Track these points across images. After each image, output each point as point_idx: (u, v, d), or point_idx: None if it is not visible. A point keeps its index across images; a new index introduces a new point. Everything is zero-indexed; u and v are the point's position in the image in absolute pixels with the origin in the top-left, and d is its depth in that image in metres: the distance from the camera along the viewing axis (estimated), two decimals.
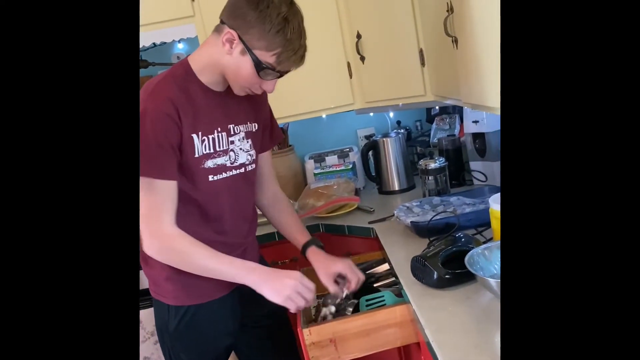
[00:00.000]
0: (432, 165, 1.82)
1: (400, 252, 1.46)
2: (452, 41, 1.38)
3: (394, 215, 1.67)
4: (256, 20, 1.11)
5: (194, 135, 1.19)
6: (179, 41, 2.29)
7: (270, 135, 1.43)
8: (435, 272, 1.16)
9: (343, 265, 1.34)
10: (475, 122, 1.87)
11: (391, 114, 2.39)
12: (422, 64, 1.75)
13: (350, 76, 2.01)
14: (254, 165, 1.34)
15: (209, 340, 1.31)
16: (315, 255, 1.37)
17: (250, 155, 1.33)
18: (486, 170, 1.89)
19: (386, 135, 2.10)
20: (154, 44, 2.10)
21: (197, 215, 1.25)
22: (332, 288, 1.32)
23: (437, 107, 2.22)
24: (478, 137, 1.89)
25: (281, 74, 1.20)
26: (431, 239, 1.43)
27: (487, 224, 1.37)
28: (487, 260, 1.13)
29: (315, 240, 1.41)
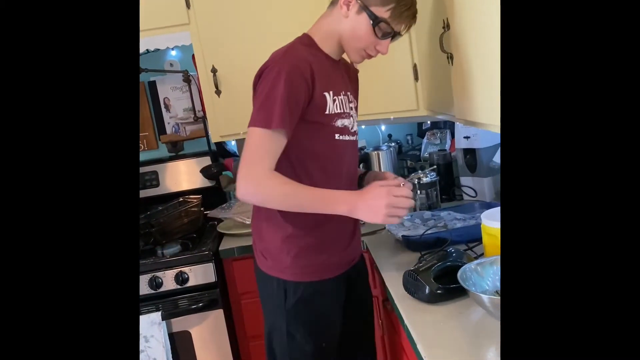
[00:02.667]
0: (424, 179, 1.83)
1: (391, 266, 1.46)
2: (447, 57, 1.39)
3: (385, 228, 1.67)
4: None
5: (326, 94, 1.25)
6: (173, 48, 2.29)
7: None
8: (428, 287, 1.16)
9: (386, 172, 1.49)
10: (467, 137, 1.89)
11: (383, 127, 2.40)
12: (416, 78, 1.76)
13: None
14: (356, 138, 1.40)
15: (325, 318, 1.34)
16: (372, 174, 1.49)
17: (357, 126, 1.39)
18: (476, 185, 1.90)
19: (377, 148, 2.11)
20: (147, 50, 2.09)
21: (317, 176, 1.27)
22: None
23: (428, 122, 2.24)
24: (469, 152, 1.91)
25: (394, 35, 1.26)
26: (422, 253, 1.43)
27: (478, 240, 1.37)
28: (480, 276, 1.14)
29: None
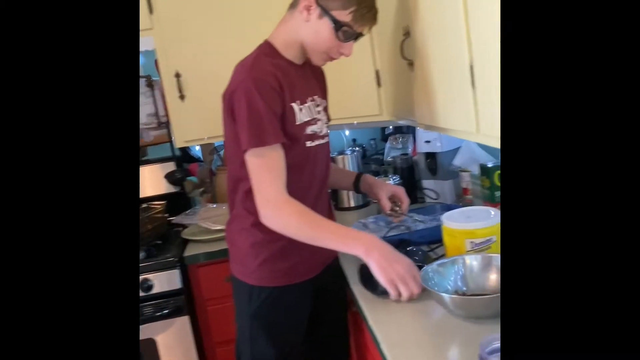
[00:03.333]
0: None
1: (356, 268, 1.49)
2: (408, 64, 1.43)
3: None
4: None
5: (294, 104, 1.25)
6: None
7: (328, 113, 1.51)
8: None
9: (399, 188, 1.53)
10: (428, 142, 1.94)
11: (347, 132, 2.43)
12: (379, 84, 1.80)
13: None
14: (328, 139, 1.40)
15: (288, 324, 1.35)
16: (371, 179, 1.54)
17: (327, 129, 1.39)
18: (437, 188, 1.95)
19: (342, 152, 2.14)
20: None
21: (292, 188, 1.24)
22: (387, 205, 1.49)
23: (391, 127, 2.28)
24: (430, 156, 1.96)
25: (357, 36, 1.25)
26: None
27: (439, 241, 1.41)
28: (442, 276, 1.17)
29: (364, 173, 1.58)
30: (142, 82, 2.28)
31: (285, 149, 1.22)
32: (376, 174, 2.21)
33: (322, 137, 1.36)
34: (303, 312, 1.38)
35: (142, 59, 2.32)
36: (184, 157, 2.38)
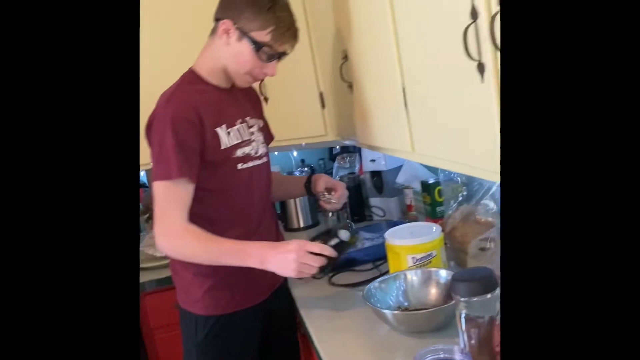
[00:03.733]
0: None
1: (303, 287, 1.49)
2: (348, 86, 1.47)
3: None
4: (246, 5, 1.20)
5: (218, 129, 1.24)
6: None
7: (269, 132, 1.52)
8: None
9: (338, 182, 1.52)
10: (373, 160, 1.98)
11: (295, 153, 2.46)
12: (323, 106, 1.83)
13: None
14: (265, 159, 1.40)
15: (237, 352, 1.33)
16: (318, 175, 1.54)
17: (264, 148, 1.39)
18: (384, 205, 2.00)
19: (291, 173, 2.16)
20: None
21: (226, 211, 1.24)
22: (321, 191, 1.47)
23: (338, 147, 2.32)
24: (376, 174, 2.00)
25: (279, 55, 1.25)
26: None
27: (385, 258, 1.44)
28: (384, 292, 1.19)
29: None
30: None
31: (212, 174, 1.23)
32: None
33: (258, 157, 1.35)
34: (252, 338, 1.37)
35: None
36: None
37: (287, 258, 1.12)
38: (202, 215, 1.22)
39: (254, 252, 1.16)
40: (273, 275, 1.39)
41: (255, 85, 1.97)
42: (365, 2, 1.24)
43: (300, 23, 1.77)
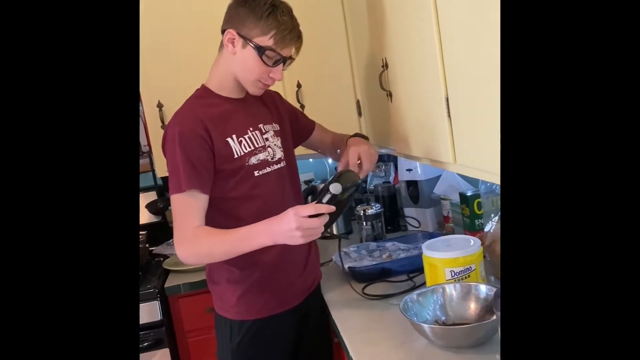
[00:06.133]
0: (369, 211, 1.87)
1: (338, 297, 1.48)
2: (387, 95, 1.46)
3: (332, 260, 1.70)
4: (247, 13, 1.23)
5: (229, 140, 1.26)
6: None
7: (304, 120, 1.55)
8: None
9: (369, 154, 1.34)
10: (409, 170, 1.96)
11: (330, 160, 2.45)
12: (359, 114, 1.82)
13: None
14: (285, 163, 1.39)
15: (270, 356, 1.34)
16: (354, 139, 1.42)
17: (282, 152, 1.38)
18: (419, 216, 1.97)
19: (325, 180, 2.15)
20: None
21: (251, 219, 1.22)
22: (345, 160, 1.34)
23: None
24: (412, 184, 1.97)
25: (284, 59, 1.26)
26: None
27: (420, 269, 1.42)
28: (421, 306, 1.17)
29: (361, 134, 1.49)
30: None
31: (232, 183, 1.27)
32: (359, 202, 2.22)
33: (277, 162, 1.35)
34: (286, 343, 1.37)
35: None
36: (166, 187, 2.36)
37: (290, 230, 1.10)
38: (230, 225, 1.22)
39: (261, 231, 1.15)
40: (305, 280, 1.40)
41: (293, 92, 2.00)
42: (408, 10, 1.22)
43: (340, 30, 1.79)
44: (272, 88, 1.41)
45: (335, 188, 1.14)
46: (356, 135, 1.47)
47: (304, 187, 2.32)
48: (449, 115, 1.09)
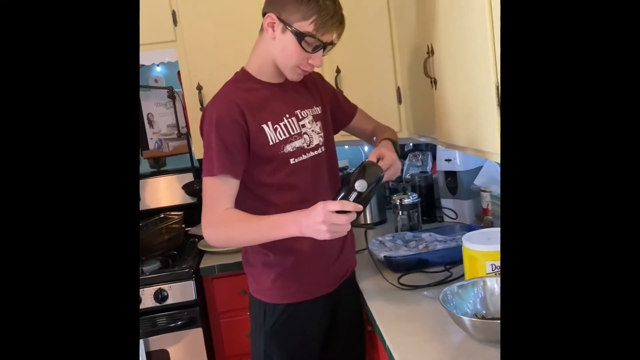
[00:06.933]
0: (405, 200, 1.85)
1: (373, 286, 1.47)
2: (431, 82, 1.42)
3: (366, 249, 1.68)
4: None
5: (264, 126, 1.25)
6: (158, 64, 2.29)
7: (345, 105, 1.51)
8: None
9: (390, 152, 1.32)
10: (448, 160, 1.92)
11: (365, 148, 2.43)
12: (399, 101, 1.79)
13: None
14: (323, 148, 1.37)
15: (303, 340, 1.35)
16: (386, 143, 1.39)
17: (321, 137, 1.37)
18: (457, 208, 1.93)
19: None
20: None
21: (286, 206, 1.23)
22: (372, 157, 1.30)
23: (410, 144, 2.27)
24: (450, 175, 1.94)
25: (324, 45, 1.23)
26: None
27: (458, 261, 1.39)
28: (461, 298, 1.15)
29: (393, 139, 1.44)
30: (164, 93, 2.30)
31: (268, 170, 1.26)
32: (394, 191, 2.20)
33: (314, 148, 1.33)
34: (318, 328, 1.37)
35: (164, 70, 2.35)
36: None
37: (317, 223, 1.10)
38: (263, 209, 1.23)
39: (289, 222, 1.15)
40: (340, 267, 1.39)
41: (332, 78, 1.98)
42: None
43: (382, 16, 1.76)
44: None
45: (361, 185, 1.14)
46: (389, 139, 1.42)
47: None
48: (499, 105, 1.06)
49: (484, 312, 1.14)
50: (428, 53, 1.41)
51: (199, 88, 2.00)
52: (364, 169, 1.19)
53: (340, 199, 1.15)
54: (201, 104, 2.00)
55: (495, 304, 1.14)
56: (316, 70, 1.37)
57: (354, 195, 1.14)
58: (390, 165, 1.29)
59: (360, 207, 1.12)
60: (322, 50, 1.25)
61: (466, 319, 1.03)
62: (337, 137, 2.08)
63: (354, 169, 2.21)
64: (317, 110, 1.39)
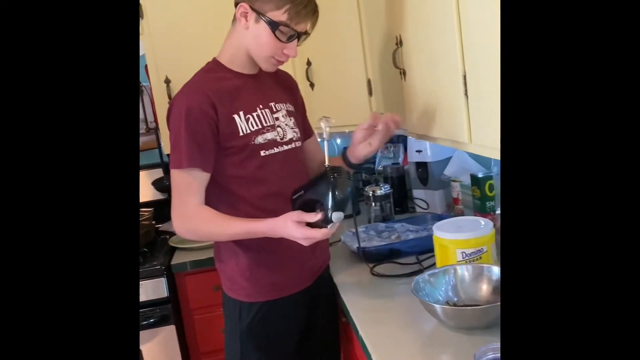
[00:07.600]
0: (378, 192, 1.86)
1: (346, 277, 1.48)
2: (400, 73, 1.43)
3: (340, 240, 1.69)
4: None
5: (235, 116, 1.23)
6: None
7: (308, 124, 1.48)
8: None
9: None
10: (419, 151, 1.93)
11: (338, 141, 2.43)
12: (370, 93, 1.80)
13: None
14: (299, 143, 1.36)
15: (280, 337, 1.34)
16: (351, 147, 1.41)
17: (295, 132, 1.35)
18: (428, 198, 1.95)
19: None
20: None
21: (255, 196, 1.25)
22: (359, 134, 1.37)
23: None
24: (421, 166, 1.95)
25: (299, 34, 1.22)
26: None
27: (429, 251, 1.40)
28: (433, 286, 1.16)
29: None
30: None
31: (237, 162, 1.24)
32: (367, 183, 2.20)
33: (287, 142, 1.31)
34: (295, 325, 1.36)
35: None
36: None
37: (292, 236, 1.14)
38: (232, 204, 1.23)
39: (264, 231, 1.18)
40: (314, 262, 1.38)
41: (302, 71, 1.97)
42: None
43: (352, 7, 1.76)
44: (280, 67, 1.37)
45: (338, 217, 1.13)
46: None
47: None
48: (466, 94, 1.07)
49: (455, 299, 1.16)
50: (397, 44, 1.41)
51: (167, 82, 1.96)
52: (334, 189, 1.14)
53: (315, 224, 1.13)
54: (169, 97, 1.96)
55: (466, 291, 1.16)
56: (286, 62, 1.35)
57: (331, 225, 1.13)
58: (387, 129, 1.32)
59: (330, 233, 1.14)
60: (296, 40, 1.24)
61: (437, 307, 1.05)
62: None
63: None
64: (291, 107, 1.37)
